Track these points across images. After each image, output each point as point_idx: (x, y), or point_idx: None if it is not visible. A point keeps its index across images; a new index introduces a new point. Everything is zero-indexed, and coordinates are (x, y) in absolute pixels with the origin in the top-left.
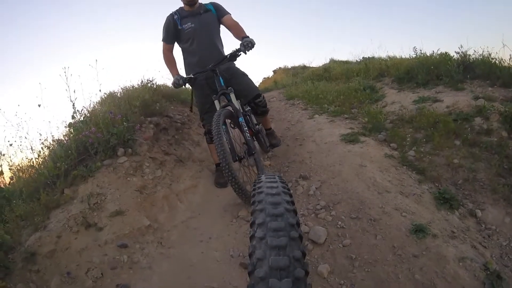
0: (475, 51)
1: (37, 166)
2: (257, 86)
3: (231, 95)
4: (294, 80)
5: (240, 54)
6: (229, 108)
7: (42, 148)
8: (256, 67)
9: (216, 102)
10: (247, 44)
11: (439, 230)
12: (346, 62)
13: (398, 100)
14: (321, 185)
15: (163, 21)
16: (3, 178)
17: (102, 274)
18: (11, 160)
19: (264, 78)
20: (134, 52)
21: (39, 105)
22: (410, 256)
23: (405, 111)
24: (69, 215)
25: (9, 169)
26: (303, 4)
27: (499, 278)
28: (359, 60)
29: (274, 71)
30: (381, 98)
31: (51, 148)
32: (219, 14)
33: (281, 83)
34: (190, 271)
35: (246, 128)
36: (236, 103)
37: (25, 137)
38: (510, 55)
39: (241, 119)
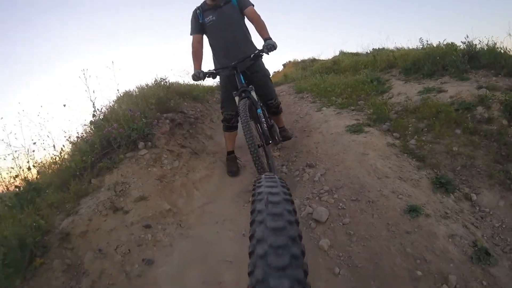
0: (480, 41)
1: (59, 162)
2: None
3: (251, 92)
4: (303, 73)
5: (263, 55)
6: (250, 100)
7: (67, 144)
8: (266, 61)
9: (236, 98)
10: (270, 47)
11: (432, 211)
12: (356, 54)
13: (404, 91)
14: (326, 172)
15: (176, 22)
16: (31, 173)
17: (129, 250)
18: (34, 157)
19: (274, 72)
20: (147, 51)
21: (64, 105)
22: (403, 233)
23: (410, 102)
24: (98, 201)
25: (33, 166)
26: None
27: (487, 254)
28: (368, 52)
29: (284, 65)
30: (387, 90)
31: (75, 144)
32: (241, 6)
33: (290, 77)
34: (207, 248)
35: (263, 119)
36: (255, 97)
37: (47, 136)
38: None
39: (259, 111)
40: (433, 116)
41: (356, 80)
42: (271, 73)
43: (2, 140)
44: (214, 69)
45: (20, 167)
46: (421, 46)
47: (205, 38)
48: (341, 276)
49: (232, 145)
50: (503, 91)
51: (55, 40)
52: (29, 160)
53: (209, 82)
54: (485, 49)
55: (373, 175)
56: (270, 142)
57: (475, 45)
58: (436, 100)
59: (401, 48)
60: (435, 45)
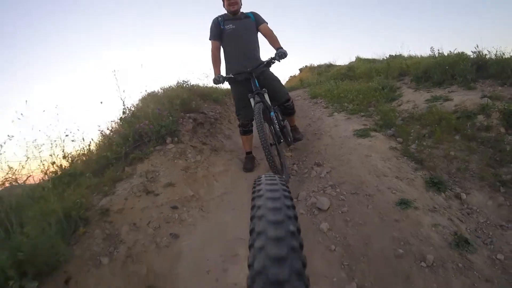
0: (489, 51)
1: (87, 153)
2: (284, 84)
3: (265, 95)
4: (318, 79)
5: (275, 62)
6: (263, 104)
7: (99, 136)
8: (283, 65)
9: (251, 99)
10: (281, 55)
11: (421, 205)
12: (372, 61)
13: (413, 99)
14: (331, 170)
15: (198, 26)
16: (66, 161)
17: (159, 225)
18: (65, 148)
19: (291, 76)
20: (171, 54)
21: (101, 102)
22: (392, 221)
23: (416, 109)
24: (132, 185)
25: (63, 157)
26: (331, 4)
27: (467, 243)
28: (385, 58)
29: (301, 70)
30: (397, 97)
31: (107, 137)
32: (257, 22)
33: (306, 82)
34: (224, 228)
35: (276, 121)
36: (268, 101)
37: (77, 129)
38: None
39: (272, 114)
40: (435, 123)
41: (368, 87)
42: (288, 77)
43: (39, 130)
44: (232, 74)
45: (56, 155)
46: (433, 55)
47: None
48: (336, 252)
49: (250, 146)
50: (507, 100)
51: (90, 40)
52: (63, 149)
53: (228, 85)
54: (493, 59)
55: (373, 174)
56: (282, 141)
57: (485, 55)
58: (440, 108)
59: (414, 56)
60: (446, 54)
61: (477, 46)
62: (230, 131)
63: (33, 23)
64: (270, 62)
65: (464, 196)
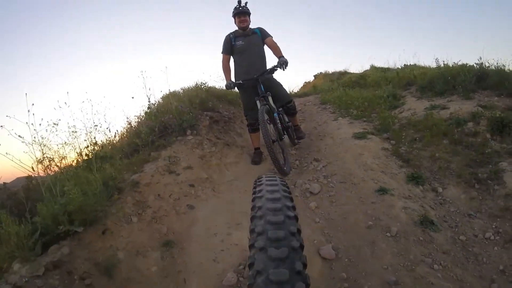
0: (488, 63)
1: (114, 142)
2: (298, 90)
3: (269, 97)
4: (330, 85)
5: (277, 69)
6: (267, 106)
7: (127, 126)
8: (299, 71)
9: (257, 102)
10: (283, 63)
11: (398, 193)
12: (385, 70)
13: (414, 107)
14: (327, 164)
15: (217, 39)
16: (97, 146)
17: (178, 198)
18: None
19: (305, 82)
20: (191, 59)
21: (132, 97)
22: (369, 202)
23: (415, 116)
24: (157, 166)
25: (95, 143)
26: (349, 13)
27: (432, 223)
28: (399, 67)
29: (315, 76)
30: (400, 105)
31: (134, 128)
32: (263, 36)
33: (319, 88)
34: (231, 204)
35: (278, 121)
36: (272, 104)
37: (105, 121)
38: None
39: (275, 115)
40: (427, 128)
41: (374, 95)
42: (302, 83)
43: (73, 120)
44: (241, 81)
45: (90, 140)
46: (438, 65)
47: None
48: (320, 223)
49: (258, 143)
50: (501, 110)
51: (120, 40)
52: (95, 136)
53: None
54: (493, 70)
55: (361, 168)
56: (283, 138)
57: (487, 66)
58: (436, 116)
59: (423, 66)
60: (450, 65)
61: (480, 58)
62: (241, 129)
63: (80, 27)
64: (273, 69)
65: (440, 189)
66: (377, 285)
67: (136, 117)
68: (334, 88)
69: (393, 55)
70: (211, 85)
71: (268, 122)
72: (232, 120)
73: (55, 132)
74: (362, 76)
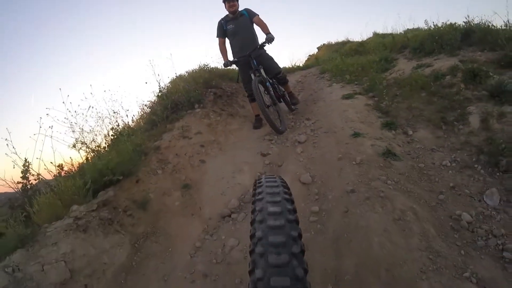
0: (472, 20)
1: (133, 124)
2: (302, 63)
3: (261, 70)
4: (331, 56)
5: (265, 45)
6: (260, 77)
7: (144, 108)
8: (303, 45)
9: (252, 75)
10: (269, 39)
11: (370, 136)
12: (387, 35)
13: (403, 68)
14: (316, 121)
15: (214, 23)
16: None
17: (192, 155)
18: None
19: (309, 55)
20: (194, 42)
21: (146, 82)
22: (343, 143)
23: (402, 76)
24: (173, 134)
25: (117, 125)
26: None
27: (394, 155)
28: (402, 32)
29: (319, 48)
30: (391, 67)
31: (151, 108)
32: (250, 16)
33: (321, 60)
34: (236, 158)
35: (271, 89)
36: (264, 75)
37: (121, 107)
38: (503, 21)
39: (267, 84)
40: (409, 84)
41: (368, 60)
42: (306, 56)
43: (94, 108)
44: (235, 59)
45: (114, 123)
46: (428, 27)
47: None
48: (302, 162)
49: (258, 110)
50: (482, 63)
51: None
52: (116, 120)
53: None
54: (479, 27)
55: (344, 121)
56: (277, 103)
57: (473, 24)
58: (419, 73)
59: (416, 29)
60: (440, 26)
61: (468, 16)
62: (244, 102)
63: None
64: (262, 45)
65: (411, 132)
66: (339, 194)
67: (149, 102)
68: (333, 58)
69: (390, 20)
70: (213, 66)
71: (265, 92)
72: (234, 94)
73: (86, 117)
74: (362, 43)
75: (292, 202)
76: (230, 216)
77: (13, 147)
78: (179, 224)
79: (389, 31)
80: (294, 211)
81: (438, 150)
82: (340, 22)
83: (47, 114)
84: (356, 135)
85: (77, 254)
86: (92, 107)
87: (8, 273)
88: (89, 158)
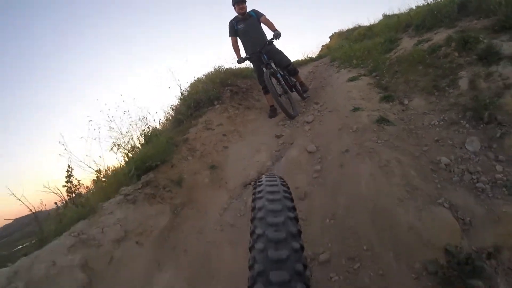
0: None
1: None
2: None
3: (272, 64)
4: (341, 43)
5: (273, 41)
6: (271, 70)
7: (169, 111)
8: (316, 34)
9: (264, 69)
10: (276, 36)
11: (368, 109)
12: (395, 16)
13: (406, 46)
14: (323, 104)
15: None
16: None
17: (216, 143)
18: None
19: (322, 46)
20: (209, 46)
21: (169, 87)
22: (344, 117)
23: (404, 53)
24: (198, 127)
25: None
26: None
27: (388, 121)
28: (411, 9)
29: (330, 37)
30: (395, 47)
31: (176, 108)
32: (258, 16)
33: (333, 48)
34: (254, 142)
35: (282, 80)
36: (275, 68)
37: (149, 113)
38: None
39: (278, 75)
40: (407, 60)
41: (373, 42)
42: (319, 47)
43: (124, 114)
44: (248, 55)
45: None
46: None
47: None
48: (309, 137)
49: (272, 101)
50: (477, 31)
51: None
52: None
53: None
54: None
55: (347, 99)
56: (288, 92)
57: None
58: (419, 48)
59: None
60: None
61: None
62: (259, 96)
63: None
64: (271, 41)
65: (406, 102)
66: (336, 155)
67: (172, 106)
68: (342, 46)
69: (393, 1)
70: (227, 67)
71: (277, 83)
72: (249, 90)
73: (122, 121)
74: (370, 27)
75: (291, 200)
76: (250, 184)
77: (65, 149)
78: (209, 195)
79: (396, 11)
80: (294, 209)
81: (429, 113)
82: (350, 10)
83: (89, 120)
84: (355, 109)
85: (129, 219)
86: (128, 110)
87: (74, 236)
88: (129, 154)
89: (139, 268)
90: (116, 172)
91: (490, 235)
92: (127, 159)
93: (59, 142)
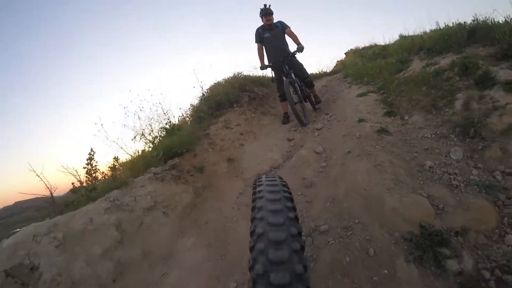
0: (476, 18)
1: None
2: (330, 70)
3: (292, 74)
4: (356, 61)
5: (296, 53)
6: (290, 79)
7: (190, 109)
8: (333, 49)
9: (283, 78)
10: (300, 49)
11: (372, 121)
12: (409, 38)
13: (415, 68)
14: (332, 115)
15: (248, 36)
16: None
17: (234, 140)
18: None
19: (337, 61)
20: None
21: (193, 87)
22: (350, 127)
23: (412, 74)
24: (217, 126)
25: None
26: None
27: (387, 132)
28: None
29: (346, 53)
30: (405, 68)
31: (198, 107)
32: (283, 28)
33: (347, 65)
34: (267, 142)
35: (299, 90)
36: (294, 78)
37: (169, 110)
38: (504, 17)
39: (296, 85)
40: (413, 80)
41: (386, 62)
42: (334, 62)
43: (149, 109)
44: (271, 63)
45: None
46: (439, 28)
47: None
48: (318, 141)
49: (286, 109)
50: (480, 58)
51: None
52: (169, 118)
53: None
54: (482, 24)
55: (354, 112)
56: (303, 101)
57: (481, 21)
58: (426, 70)
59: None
60: (450, 25)
61: (475, 14)
62: (274, 103)
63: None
64: (294, 53)
65: (406, 117)
66: (340, 155)
67: (192, 105)
68: (356, 63)
69: (411, 23)
70: (246, 74)
71: (294, 92)
72: (265, 97)
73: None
74: (385, 47)
75: (291, 200)
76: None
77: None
78: (227, 183)
79: (411, 33)
80: (294, 209)
81: (425, 128)
82: (367, 26)
83: (125, 113)
84: (360, 120)
85: (158, 192)
86: (159, 102)
87: (110, 201)
88: (154, 142)
89: (165, 234)
90: (145, 155)
91: (459, 219)
92: (151, 147)
93: (96, 123)
